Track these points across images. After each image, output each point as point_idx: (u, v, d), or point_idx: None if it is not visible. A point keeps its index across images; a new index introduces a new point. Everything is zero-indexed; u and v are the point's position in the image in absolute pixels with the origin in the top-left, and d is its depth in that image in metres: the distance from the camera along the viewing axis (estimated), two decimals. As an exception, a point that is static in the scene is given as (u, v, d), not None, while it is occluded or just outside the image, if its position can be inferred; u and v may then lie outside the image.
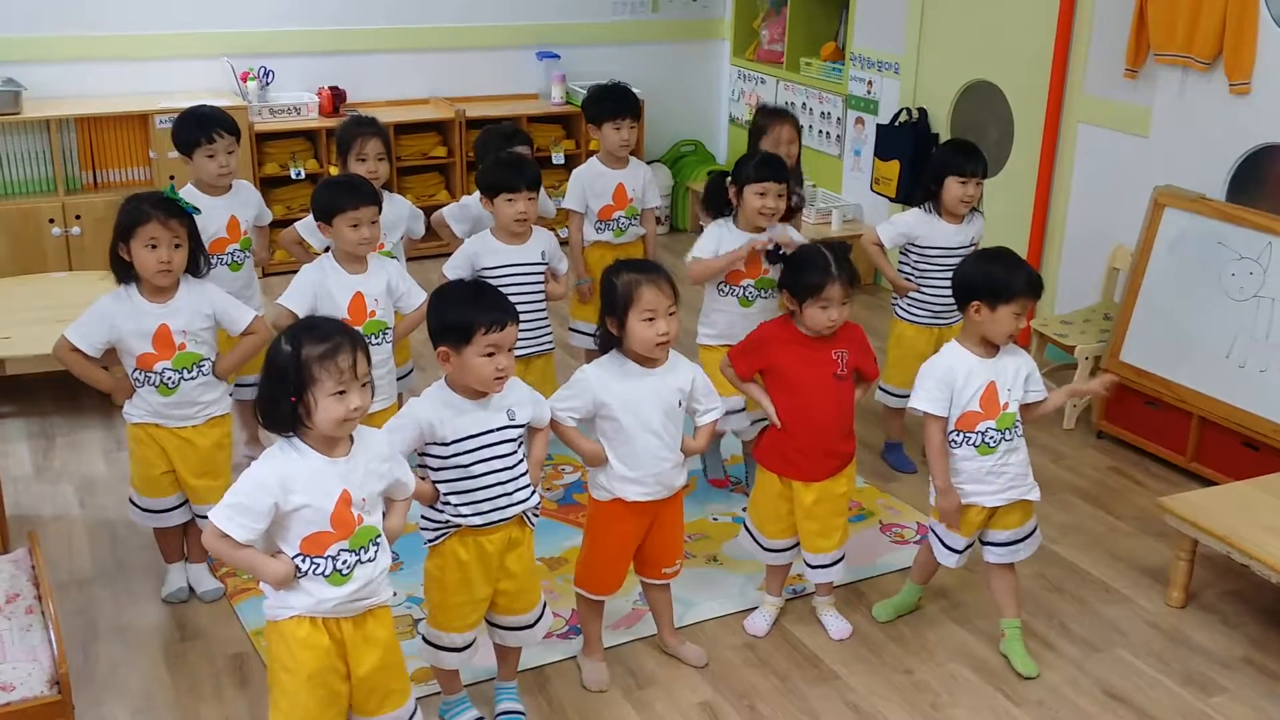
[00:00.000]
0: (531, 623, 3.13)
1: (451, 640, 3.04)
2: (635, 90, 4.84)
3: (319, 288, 3.69)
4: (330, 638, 2.62)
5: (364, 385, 2.56)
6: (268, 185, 6.37)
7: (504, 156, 4.13)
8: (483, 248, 4.01)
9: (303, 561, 2.56)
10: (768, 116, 4.56)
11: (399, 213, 4.33)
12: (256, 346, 3.55)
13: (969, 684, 3.42)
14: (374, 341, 3.72)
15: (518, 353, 3.95)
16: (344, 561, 2.58)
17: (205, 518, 3.58)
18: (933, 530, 3.52)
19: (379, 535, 2.65)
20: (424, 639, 3.09)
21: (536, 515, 3.07)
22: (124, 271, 3.42)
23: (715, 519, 4.21)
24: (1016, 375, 3.36)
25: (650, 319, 3.08)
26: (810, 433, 3.42)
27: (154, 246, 3.35)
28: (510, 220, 3.95)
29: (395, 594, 3.60)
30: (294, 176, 6.39)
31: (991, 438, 3.34)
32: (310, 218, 3.84)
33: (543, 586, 3.41)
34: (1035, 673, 3.45)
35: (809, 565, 3.56)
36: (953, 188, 4.20)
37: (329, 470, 2.56)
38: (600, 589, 3.31)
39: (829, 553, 3.51)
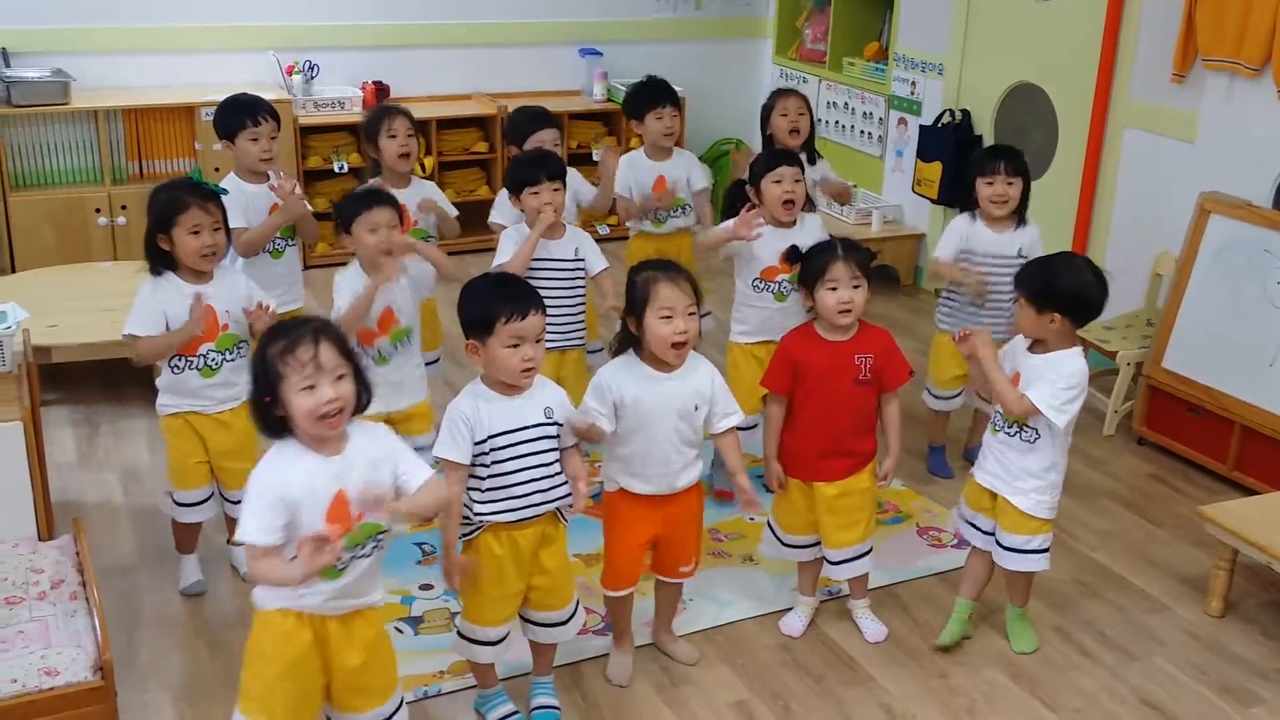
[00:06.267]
0: (564, 620, 3.14)
1: (485, 634, 3.06)
2: (676, 87, 4.92)
3: (355, 295, 3.63)
4: (314, 634, 2.60)
5: (339, 378, 2.49)
6: (311, 178, 6.43)
7: (525, 155, 4.19)
8: (521, 237, 4.02)
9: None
10: (774, 96, 4.77)
11: (426, 194, 4.43)
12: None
13: (1005, 690, 3.41)
14: (399, 348, 3.73)
15: (549, 345, 3.98)
16: (339, 559, 2.54)
17: (238, 503, 3.65)
18: (962, 518, 3.54)
19: (382, 532, 2.61)
20: (458, 633, 3.11)
21: (571, 511, 3.08)
22: (162, 261, 3.45)
23: (751, 519, 4.21)
24: (1039, 378, 3.28)
25: (667, 316, 3.06)
26: (829, 437, 3.41)
27: (197, 232, 3.40)
28: (537, 213, 3.95)
29: (421, 591, 3.68)
30: (337, 170, 6.43)
31: (996, 420, 3.40)
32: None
33: (579, 583, 3.42)
34: (1035, 648, 3.55)
35: (830, 562, 3.54)
36: (981, 188, 4.19)
37: (323, 469, 2.52)
38: (614, 584, 3.31)
39: (851, 546, 3.50)
